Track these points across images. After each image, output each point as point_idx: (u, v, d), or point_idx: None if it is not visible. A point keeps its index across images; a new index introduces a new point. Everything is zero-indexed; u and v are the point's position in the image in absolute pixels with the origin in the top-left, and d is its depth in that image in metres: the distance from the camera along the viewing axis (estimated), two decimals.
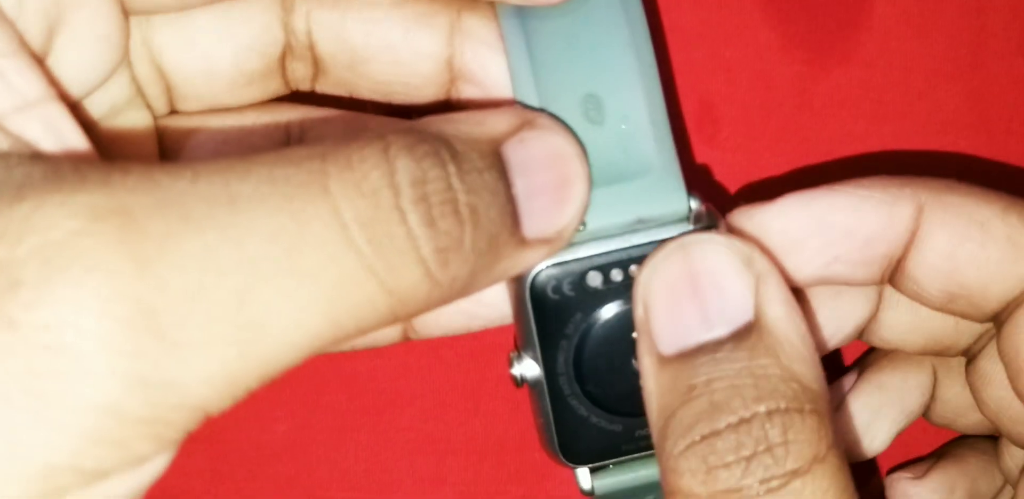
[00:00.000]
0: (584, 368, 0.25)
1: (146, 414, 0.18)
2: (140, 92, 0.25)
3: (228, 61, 0.25)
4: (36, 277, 0.17)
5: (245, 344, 0.18)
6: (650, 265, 0.23)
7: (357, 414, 0.33)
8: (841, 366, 0.32)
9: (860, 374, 0.29)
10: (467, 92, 0.25)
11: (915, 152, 0.33)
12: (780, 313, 0.22)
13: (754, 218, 0.24)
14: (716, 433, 0.20)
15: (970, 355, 0.27)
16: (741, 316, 0.22)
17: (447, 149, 0.20)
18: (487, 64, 0.25)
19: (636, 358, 0.23)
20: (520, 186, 0.21)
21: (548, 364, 0.25)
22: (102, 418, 0.18)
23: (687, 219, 0.24)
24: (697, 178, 0.32)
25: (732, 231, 0.24)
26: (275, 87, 0.26)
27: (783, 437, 0.20)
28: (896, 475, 0.30)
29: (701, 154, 0.32)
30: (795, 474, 0.20)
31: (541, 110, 0.24)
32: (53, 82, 0.22)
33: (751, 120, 0.32)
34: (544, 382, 0.25)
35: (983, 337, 0.26)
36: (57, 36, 0.22)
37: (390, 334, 0.27)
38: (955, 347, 0.27)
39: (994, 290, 0.23)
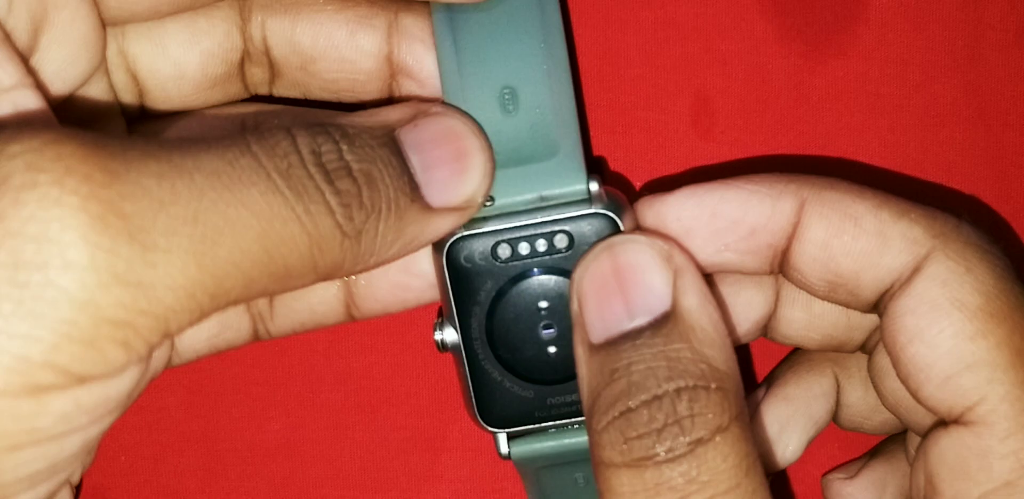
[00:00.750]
0: (495, 334, 0.27)
1: (117, 315, 0.20)
2: (116, 99, 0.27)
3: (195, 66, 0.28)
4: (21, 178, 0.19)
5: (200, 256, 0.21)
6: (583, 263, 0.25)
7: (351, 412, 0.33)
8: (754, 382, 0.33)
9: (767, 388, 0.31)
10: (406, 86, 0.28)
11: (912, 145, 0.32)
12: (694, 303, 0.24)
13: (653, 207, 0.27)
14: (632, 409, 0.23)
15: (867, 351, 0.29)
16: (659, 306, 0.24)
17: (339, 131, 0.24)
18: (421, 59, 0.27)
19: (543, 328, 0.27)
20: (415, 160, 0.24)
21: (464, 329, 0.27)
22: (77, 313, 0.19)
23: (587, 200, 0.27)
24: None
25: (639, 216, 0.27)
26: (236, 90, 0.29)
27: (690, 411, 0.23)
28: (830, 476, 0.31)
29: (697, 148, 0.32)
30: (699, 442, 0.23)
31: (445, 102, 0.27)
32: (34, 75, 0.24)
33: (747, 113, 0.32)
34: (461, 346, 0.27)
35: (876, 332, 0.28)
36: (42, 35, 0.24)
37: (334, 311, 0.29)
38: (851, 342, 0.29)
39: (866, 279, 0.25)
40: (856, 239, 0.25)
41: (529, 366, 0.27)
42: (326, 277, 0.23)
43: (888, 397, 0.28)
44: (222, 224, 0.21)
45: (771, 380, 0.31)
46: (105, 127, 0.27)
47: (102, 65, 0.26)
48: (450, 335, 0.28)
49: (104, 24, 0.26)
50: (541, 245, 0.27)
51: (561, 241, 0.27)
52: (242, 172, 0.22)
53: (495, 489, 0.33)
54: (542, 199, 0.27)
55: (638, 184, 0.33)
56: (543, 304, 0.27)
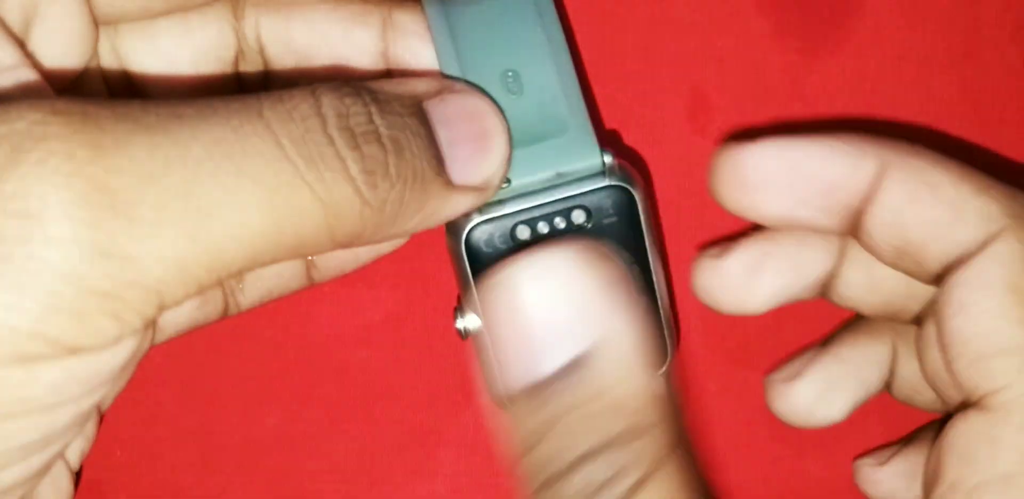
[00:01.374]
0: None
1: (103, 287, 0.20)
2: (109, 96, 0.27)
3: (187, 63, 0.27)
4: (4, 156, 0.20)
5: (194, 229, 0.20)
6: (489, 299, 0.24)
7: (347, 406, 0.33)
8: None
9: (822, 346, 0.30)
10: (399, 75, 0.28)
11: (908, 142, 0.32)
12: (612, 334, 0.23)
13: (733, 155, 0.27)
14: (556, 477, 0.22)
15: (919, 322, 0.28)
16: (573, 349, 0.23)
17: (369, 93, 0.23)
18: (418, 53, 0.27)
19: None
20: (442, 135, 0.24)
21: (486, 313, 0.26)
22: (62, 285, 0.20)
23: (603, 173, 0.27)
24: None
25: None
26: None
27: (613, 469, 0.22)
28: (861, 461, 0.31)
29: (694, 144, 0.32)
30: (635, 491, 0.22)
31: (463, 80, 0.26)
32: (31, 58, 0.24)
33: (744, 109, 0.32)
34: (485, 331, 0.27)
35: (932, 304, 0.27)
36: (33, 29, 0.24)
37: (298, 276, 0.29)
38: (907, 312, 0.28)
39: (934, 250, 0.25)
40: (931, 208, 0.25)
41: None
42: (344, 246, 0.23)
43: (928, 368, 0.27)
44: (220, 195, 0.21)
45: (827, 341, 0.30)
46: None
47: (95, 61, 0.26)
48: (473, 321, 0.27)
49: (97, 22, 0.25)
50: (560, 223, 0.27)
51: (579, 217, 0.27)
52: (246, 140, 0.21)
53: (492, 484, 0.33)
54: (558, 176, 0.27)
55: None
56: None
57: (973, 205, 0.25)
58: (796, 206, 0.26)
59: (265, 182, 0.21)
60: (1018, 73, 0.32)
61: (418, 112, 0.24)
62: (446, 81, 0.26)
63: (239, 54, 0.28)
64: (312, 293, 0.32)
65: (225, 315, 0.29)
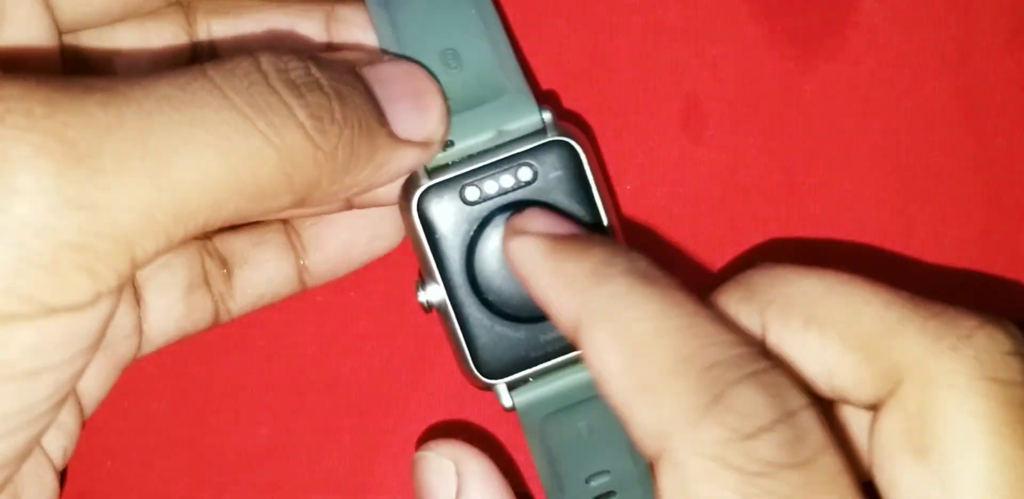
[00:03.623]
0: (478, 277, 0.28)
1: (75, 238, 0.20)
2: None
3: (146, 67, 0.28)
4: None
5: (155, 177, 0.21)
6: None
7: (339, 417, 0.33)
8: None
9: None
10: None
11: (902, 149, 0.32)
12: None
13: None
14: None
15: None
16: None
17: (306, 54, 0.24)
18: (360, 41, 0.28)
19: None
20: (379, 92, 0.25)
21: (447, 281, 0.28)
22: (32, 237, 0.20)
23: (543, 130, 0.27)
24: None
25: (585, 144, 0.28)
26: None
27: None
28: None
29: (687, 151, 0.32)
30: None
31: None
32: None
33: (738, 117, 0.32)
34: (447, 301, 0.28)
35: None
36: None
37: (290, 280, 0.30)
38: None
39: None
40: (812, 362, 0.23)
41: (516, 305, 0.28)
42: (304, 195, 0.23)
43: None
44: (176, 144, 0.21)
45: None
46: None
47: (57, 68, 0.27)
48: (434, 292, 0.28)
49: (59, 30, 0.26)
50: (507, 180, 0.27)
51: (525, 173, 0.27)
52: (194, 94, 0.22)
53: None
54: (500, 134, 0.27)
55: (628, 187, 0.32)
56: None
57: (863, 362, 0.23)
58: None
59: (217, 130, 0.22)
60: (1012, 80, 0.32)
61: (353, 72, 0.25)
62: (378, 52, 0.27)
63: (195, 58, 0.29)
64: (303, 303, 0.32)
65: (216, 322, 0.29)
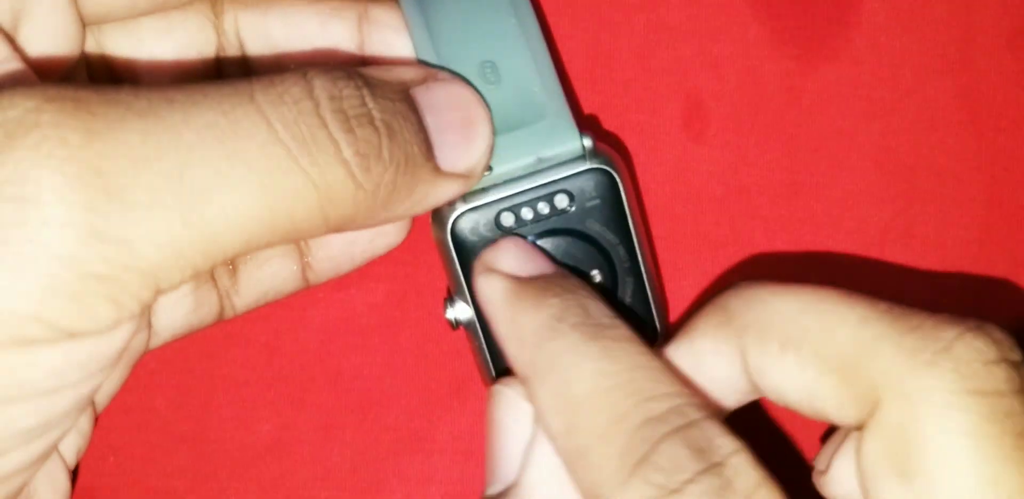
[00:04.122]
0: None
1: (100, 270, 0.20)
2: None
3: (170, 58, 0.28)
4: None
5: (188, 213, 0.21)
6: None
7: (342, 413, 0.33)
8: None
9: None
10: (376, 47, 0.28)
11: (904, 149, 0.33)
12: (535, 477, 0.24)
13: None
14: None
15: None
16: (509, 476, 0.25)
17: (361, 78, 0.23)
18: (393, 45, 0.28)
19: None
20: (430, 121, 0.24)
21: (476, 301, 0.27)
22: (59, 268, 0.20)
23: (583, 156, 0.27)
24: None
25: (623, 172, 0.27)
26: None
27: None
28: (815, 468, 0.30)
29: (689, 150, 0.32)
30: None
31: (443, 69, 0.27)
32: (20, 52, 0.24)
33: (739, 116, 0.32)
34: (476, 320, 0.28)
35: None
36: (21, 28, 0.24)
37: (293, 277, 0.29)
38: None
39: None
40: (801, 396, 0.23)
41: None
42: (337, 230, 0.23)
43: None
44: (212, 179, 0.21)
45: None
46: None
47: (81, 60, 0.26)
48: (463, 311, 0.28)
49: (84, 22, 0.26)
50: (543, 208, 0.27)
51: (562, 201, 0.27)
52: (238, 124, 0.21)
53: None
54: (539, 161, 0.27)
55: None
56: None
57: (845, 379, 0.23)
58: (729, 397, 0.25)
59: (257, 166, 0.21)
60: (1014, 81, 0.32)
61: (407, 98, 0.24)
62: (430, 69, 0.26)
63: (220, 49, 0.28)
64: (306, 298, 0.32)
65: (221, 318, 0.29)
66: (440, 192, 0.25)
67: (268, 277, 0.29)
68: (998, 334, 0.22)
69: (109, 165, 0.20)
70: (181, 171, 0.20)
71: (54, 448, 0.23)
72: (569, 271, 0.27)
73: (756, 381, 0.23)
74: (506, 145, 0.26)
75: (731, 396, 0.25)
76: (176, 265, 0.21)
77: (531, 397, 0.23)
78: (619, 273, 0.28)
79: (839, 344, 0.22)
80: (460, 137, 0.25)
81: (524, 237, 0.27)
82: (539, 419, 0.23)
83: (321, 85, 0.22)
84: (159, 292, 0.21)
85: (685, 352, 0.24)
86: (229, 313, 0.29)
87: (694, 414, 0.22)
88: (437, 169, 0.24)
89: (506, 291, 0.25)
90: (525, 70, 0.27)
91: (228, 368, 0.33)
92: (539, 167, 0.27)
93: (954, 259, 0.33)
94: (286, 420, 0.33)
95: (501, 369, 0.28)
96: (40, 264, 0.20)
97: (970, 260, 0.33)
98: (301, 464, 0.33)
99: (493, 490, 0.25)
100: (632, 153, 0.33)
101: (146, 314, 0.22)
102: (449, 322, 0.28)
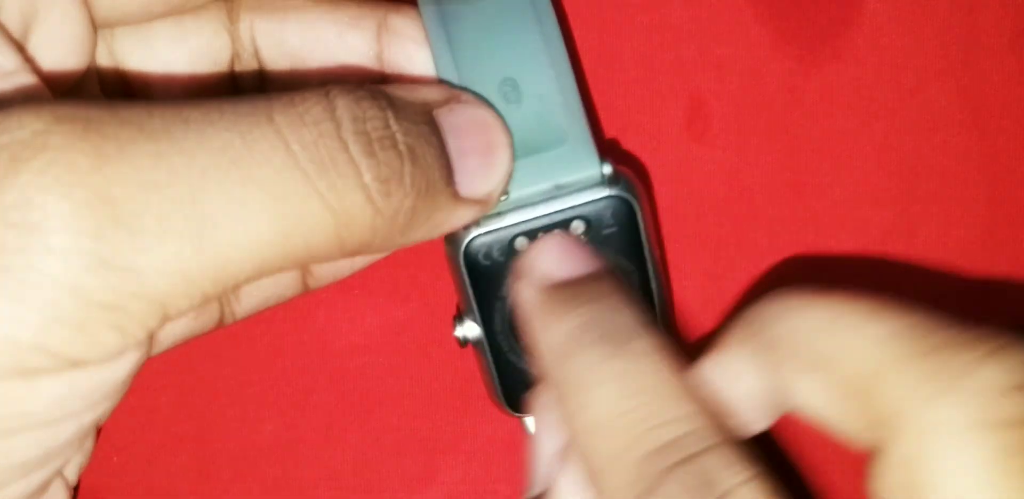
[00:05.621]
0: (518, 324, 0.26)
1: (106, 298, 0.19)
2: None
3: (183, 65, 0.27)
4: (4, 167, 0.19)
5: (199, 240, 0.20)
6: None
7: (345, 413, 0.33)
8: None
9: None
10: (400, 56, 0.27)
11: (906, 149, 0.32)
12: (566, 486, 0.24)
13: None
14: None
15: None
16: (544, 481, 0.25)
17: (385, 98, 0.23)
18: (413, 57, 0.27)
19: None
20: (452, 146, 0.24)
21: (487, 324, 0.27)
22: (63, 296, 0.19)
23: (602, 183, 0.26)
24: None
25: (642, 198, 0.27)
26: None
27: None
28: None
29: (691, 151, 0.32)
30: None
31: (464, 89, 0.26)
32: (31, 62, 0.23)
33: (741, 117, 0.32)
34: (485, 341, 0.27)
35: None
36: (32, 34, 0.24)
37: (294, 283, 0.29)
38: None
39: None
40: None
41: None
42: (351, 255, 0.23)
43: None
44: (226, 205, 0.20)
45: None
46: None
47: (92, 65, 0.26)
48: (472, 330, 0.27)
49: (96, 26, 0.25)
50: None
51: (578, 227, 0.26)
52: (255, 146, 0.20)
53: (489, 491, 0.33)
54: (557, 188, 0.26)
55: None
56: None
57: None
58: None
59: (273, 191, 0.20)
60: (1016, 81, 0.32)
61: (430, 120, 0.23)
62: (453, 90, 0.25)
63: (234, 56, 0.28)
64: (309, 300, 0.32)
65: (221, 325, 0.29)
66: (457, 218, 0.24)
67: (269, 284, 0.29)
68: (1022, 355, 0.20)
69: (119, 191, 0.19)
70: (194, 196, 0.20)
71: (55, 477, 0.23)
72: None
73: (784, 399, 0.23)
74: (524, 170, 0.26)
75: (761, 413, 0.24)
76: (185, 293, 0.20)
77: (559, 410, 0.23)
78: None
79: (860, 364, 0.21)
80: (481, 162, 0.24)
81: None
82: (566, 428, 0.23)
83: (344, 105, 0.22)
84: (166, 319, 0.21)
85: (714, 367, 0.24)
86: (229, 319, 0.29)
87: (706, 441, 0.21)
88: (456, 195, 0.24)
89: (536, 300, 0.24)
90: (547, 90, 0.26)
91: (231, 368, 0.33)
92: (557, 194, 0.26)
93: (957, 259, 0.33)
94: (289, 420, 0.33)
95: (508, 389, 0.28)
96: (43, 292, 0.19)
97: (973, 260, 0.33)
98: (304, 464, 0.33)
99: (530, 494, 0.25)
100: (634, 153, 0.33)
101: (151, 339, 0.21)
102: (458, 340, 0.28)
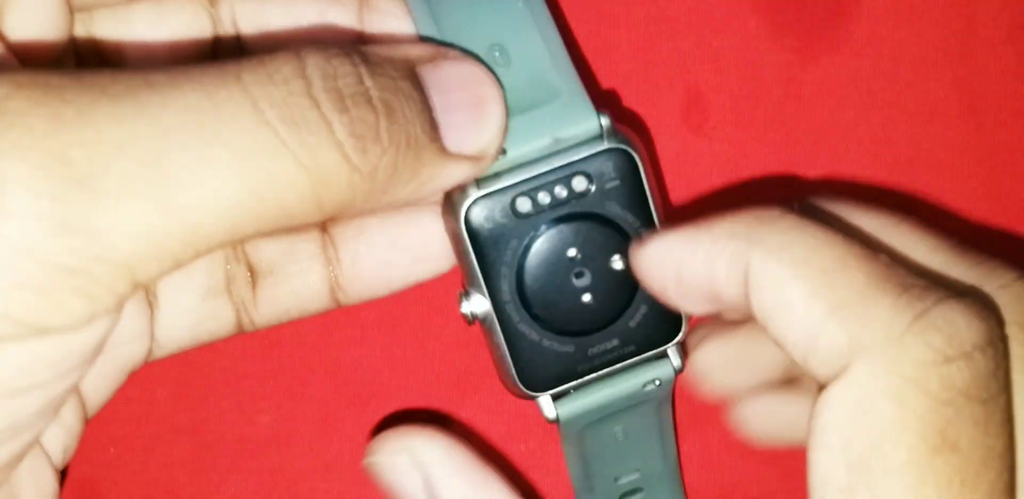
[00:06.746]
0: (528, 292, 0.26)
1: (70, 262, 0.19)
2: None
3: (163, 48, 0.26)
4: None
5: (164, 201, 0.19)
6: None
7: (341, 405, 0.33)
8: None
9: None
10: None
11: (903, 141, 0.33)
12: None
13: (637, 253, 0.25)
14: None
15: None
16: None
17: (359, 55, 0.22)
18: (396, 32, 0.26)
19: (575, 277, 0.26)
20: (437, 101, 0.23)
21: (494, 294, 0.26)
22: (25, 261, 0.19)
23: (600, 136, 0.26)
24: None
25: (642, 152, 0.26)
26: None
27: None
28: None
29: (688, 143, 0.32)
30: None
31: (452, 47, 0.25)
32: (1, 38, 0.23)
33: (739, 109, 0.32)
34: (493, 313, 0.26)
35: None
36: (7, 13, 0.23)
37: (320, 296, 0.28)
38: None
39: (805, 370, 0.23)
40: (788, 329, 0.22)
41: (567, 319, 0.26)
42: (333, 215, 0.22)
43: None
44: (192, 165, 0.20)
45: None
46: None
47: (69, 47, 0.26)
48: (479, 304, 0.26)
49: (72, 8, 0.25)
50: (560, 191, 0.26)
51: (580, 184, 0.26)
52: (222, 105, 0.20)
53: None
54: (556, 142, 0.25)
55: None
56: (571, 252, 0.26)
57: (823, 333, 0.22)
58: (699, 304, 0.25)
59: (242, 150, 0.20)
60: (1013, 74, 0.32)
61: (411, 76, 0.23)
62: (439, 48, 0.25)
63: (215, 39, 0.27)
64: None
65: (240, 331, 0.28)
66: (448, 175, 0.24)
67: (289, 293, 0.28)
68: (978, 310, 0.21)
69: (78, 153, 0.19)
70: (158, 157, 0.19)
71: (28, 450, 0.22)
72: (590, 257, 0.26)
73: (750, 295, 0.23)
74: (520, 127, 0.25)
75: (706, 300, 0.24)
76: (154, 256, 0.20)
77: (753, 280, 0.22)
78: None
79: (848, 283, 0.22)
80: (470, 117, 0.24)
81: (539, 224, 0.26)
82: (761, 299, 0.22)
83: (314, 63, 0.21)
84: (137, 285, 0.20)
85: (685, 241, 0.24)
86: (249, 328, 0.28)
87: (958, 290, 0.21)
88: (443, 150, 0.23)
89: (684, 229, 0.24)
90: (536, 51, 0.26)
91: (227, 360, 0.33)
92: (555, 149, 0.25)
93: None
94: (285, 412, 0.33)
95: (522, 366, 0.27)
96: (3, 257, 0.19)
97: None
98: (300, 456, 0.33)
99: None
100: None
101: (123, 307, 0.21)
102: (465, 317, 0.26)
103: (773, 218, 0.23)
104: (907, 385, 0.20)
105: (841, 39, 0.32)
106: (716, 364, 0.29)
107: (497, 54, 0.25)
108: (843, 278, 0.22)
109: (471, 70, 0.24)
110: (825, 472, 0.21)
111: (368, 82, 0.22)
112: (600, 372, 0.27)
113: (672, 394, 0.29)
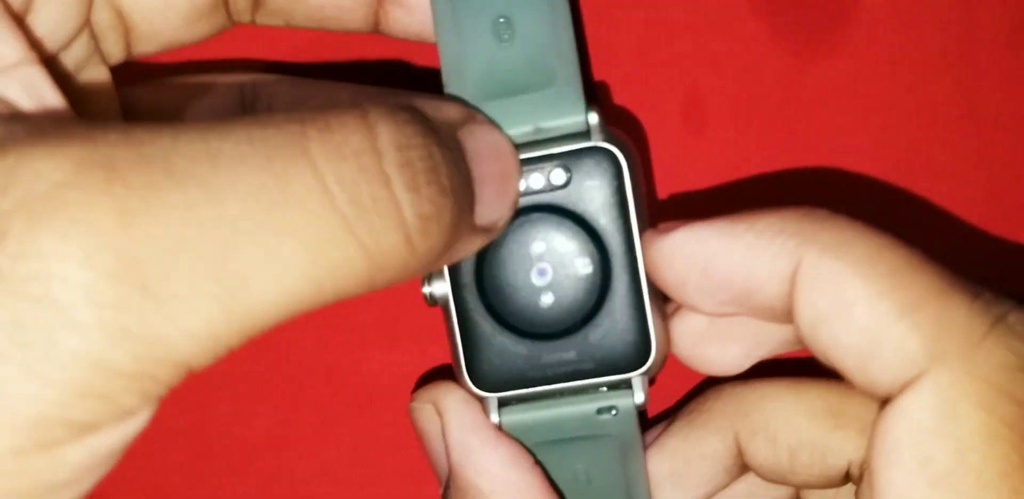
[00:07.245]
0: (486, 281, 0.26)
1: (132, 368, 0.18)
2: (98, 47, 0.25)
3: (184, 4, 0.25)
4: (22, 229, 0.17)
5: (228, 300, 0.18)
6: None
7: (340, 408, 0.33)
8: None
9: (664, 428, 0.28)
10: (393, 14, 0.26)
11: (903, 145, 0.32)
12: (464, 467, 0.26)
13: (652, 248, 0.25)
14: None
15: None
16: (444, 472, 0.26)
17: (426, 122, 0.21)
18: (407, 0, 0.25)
19: (537, 274, 0.26)
20: (474, 171, 0.22)
21: (453, 276, 0.26)
22: (88, 371, 0.18)
23: (586, 132, 0.25)
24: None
25: (631, 156, 0.25)
26: (221, 21, 0.27)
27: None
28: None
29: (688, 146, 0.32)
30: None
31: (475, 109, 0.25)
32: (34, 43, 0.22)
33: (738, 112, 0.32)
34: (450, 295, 0.26)
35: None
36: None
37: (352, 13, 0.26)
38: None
39: (859, 380, 0.22)
40: (846, 334, 0.21)
41: (521, 317, 0.26)
42: (374, 290, 0.21)
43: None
44: (258, 259, 0.19)
45: (673, 419, 0.28)
46: (95, 87, 0.25)
47: (90, 11, 0.25)
48: (439, 287, 0.26)
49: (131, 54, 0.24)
50: (537, 180, 0.25)
51: (558, 177, 0.25)
52: (290, 188, 0.19)
53: None
54: (538, 131, 0.25)
55: None
56: (536, 247, 0.25)
57: (891, 337, 0.21)
58: (718, 302, 0.24)
59: (309, 239, 0.19)
60: (1014, 77, 0.32)
61: (459, 145, 0.22)
62: (467, 108, 0.24)
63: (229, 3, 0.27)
64: None
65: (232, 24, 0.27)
66: (470, 248, 0.23)
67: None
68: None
69: (145, 253, 0.18)
70: (225, 253, 0.18)
71: None
72: (555, 256, 0.25)
73: (797, 296, 0.22)
74: (506, 110, 0.25)
75: (730, 298, 0.24)
76: (211, 350, 0.19)
77: (805, 279, 0.22)
78: (613, 267, 0.26)
79: (925, 284, 0.21)
80: (497, 190, 0.23)
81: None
82: (818, 299, 0.22)
83: (386, 131, 0.20)
84: (190, 373, 0.19)
85: (720, 233, 0.23)
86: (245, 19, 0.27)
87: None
88: (474, 224, 0.22)
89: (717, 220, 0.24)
90: (541, 30, 0.25)
91: (225, 363, 0.32)
92: (537, 138, 0.25)
93: (952, 255, 0.33)
94: (284, 415, 0.33)
95: (471, 359, 0.26)
96: (67, 368, 0.18)
97: (970, 256, 0.33)
98: (298, 459, 0.33)
99: (442, 486, 0.27)
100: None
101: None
102: (424, 297, 0.26)
103: (826, 216, 0.23)
104: (994, 392, 0.20)
105: (840, 42, 0.32)
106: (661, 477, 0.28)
107: (504, 28, 0.25)
108: (914, 279, 0.21)
109: (499, 140, 0.24)
110: (903, 493, 0.20)
111: (438, 156, 0.21)
112: (553, 386, 0.26)
113: (640, 445, 0.27)
